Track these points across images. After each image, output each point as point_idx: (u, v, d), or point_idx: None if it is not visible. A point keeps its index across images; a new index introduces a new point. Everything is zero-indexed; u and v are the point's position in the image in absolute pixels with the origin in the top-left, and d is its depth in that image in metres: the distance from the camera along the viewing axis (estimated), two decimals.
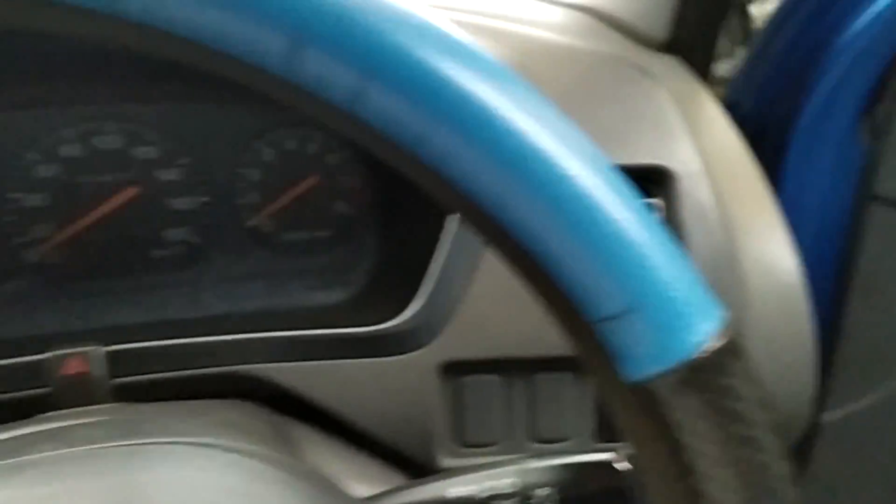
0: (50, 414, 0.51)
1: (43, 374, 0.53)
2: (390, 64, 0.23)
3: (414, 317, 0.63)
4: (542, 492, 0.49)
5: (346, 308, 0.71)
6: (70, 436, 0.39)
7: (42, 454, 0.37)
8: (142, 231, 0.76)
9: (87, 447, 0.38)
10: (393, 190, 0.76)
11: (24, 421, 0.51)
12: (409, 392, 0.65)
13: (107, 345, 0.56)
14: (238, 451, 0.40)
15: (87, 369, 0.54)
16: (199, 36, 0.23)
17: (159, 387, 0.60)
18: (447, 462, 0.67)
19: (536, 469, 0.50)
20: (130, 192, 0.75)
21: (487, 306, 0.64)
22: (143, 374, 0.58)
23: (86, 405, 0.53)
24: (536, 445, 0.68)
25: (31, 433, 0.44)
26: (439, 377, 0.65)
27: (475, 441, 0.68)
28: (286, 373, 0.63)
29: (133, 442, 0.39)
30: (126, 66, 0.72)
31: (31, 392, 0.56)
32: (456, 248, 0.64)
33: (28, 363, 0.56)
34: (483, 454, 0.68)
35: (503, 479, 0.50)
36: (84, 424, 0.43)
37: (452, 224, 0.64)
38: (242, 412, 0.57)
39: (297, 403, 0.64)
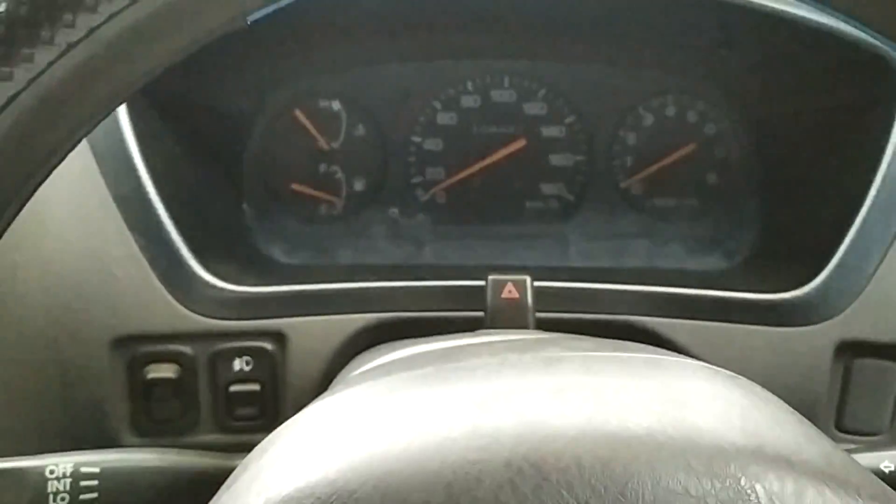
0: (492, 330, 0.56)
1: (482, 298, 0.58)
2: None
3: (818, 290, 0.62)
4: None
5: (735, 274, 0.71)
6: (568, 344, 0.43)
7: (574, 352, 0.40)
8: (521, 183, 0.80)
9: (583, 353, 0.40)
10: (776, 163, 0.74)
11: (468, 334, 0.56)
12: (798, 366, 0.63)
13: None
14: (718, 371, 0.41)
15: (519, 296, 0.58)
16: None
17: (559, 325, 0.63)
18: None
19: None
20: (518, 144, 0.79)
21: None
22: (553, 310, 0.62)
23: (513, 328, 0.57)
24: None
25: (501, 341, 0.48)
26: (833, 355, 0.63)
27: (855, 428, 0.65)
28: (678, 329, 0.64)
29: (622, 353, 0.41)
30: (525, 23, 0.76)
31: (465, 313, 0.61)
32: (870, 224, 0.62)
33: (470, 287, 0.62)
34: (861, 443, 0.65)
35: None
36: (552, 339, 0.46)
37: (868, 199, 0.62)
38: None
39: None
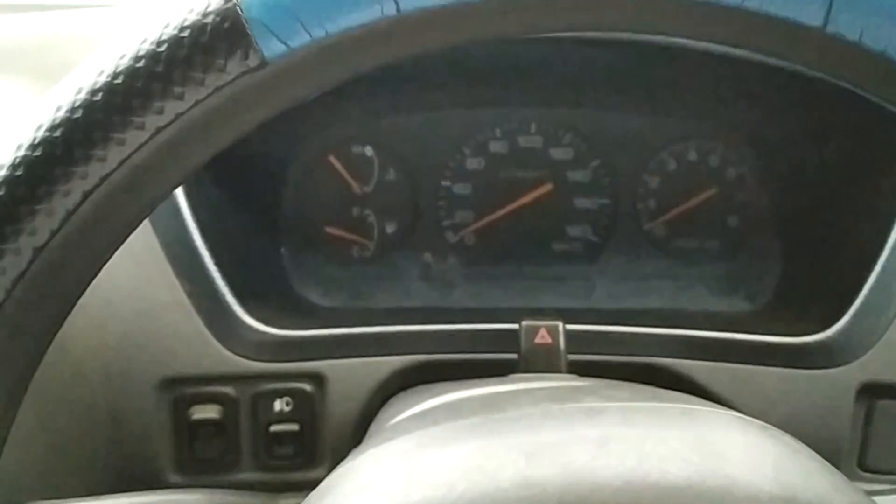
0: (526, 375, 0.58)
1: (514, 341, 0.60)
2: None
3: (840, 333, 0.64)
4: None
5: (758, 317, 0.73)
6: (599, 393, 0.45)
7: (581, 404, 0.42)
8: (548, 225, 0.83)
9: (621, 404, 0.42)
10: (797, 207, 0.77)
11: (504, 378, 0.58)
12: (821, 407, 0.65)
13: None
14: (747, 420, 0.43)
15: (552, 341, 0.60)
16: None
17: (589, 367, 0.65)
18: None
19: None
20: (544, 188, 0.82)
21: None
22: (583, 352, 0.64)
23: (545, 372, 0.60)
24: None
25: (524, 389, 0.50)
26: (855, 397, 0.65)
27: (878, 467, 0.67)
28: (703, 371, 0.65)
29: (658, 403, 0.43)
30: (552, 72, 0.79)
31: (498, 355, 0.64)
32: (890, 267, 0.64)
33: (502, 330, 0.64)
34: (884, 481, 0.67)
35: None
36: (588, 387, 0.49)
37: (889, 244, 0.64)
38: None
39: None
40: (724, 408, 0.43)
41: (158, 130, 0.29)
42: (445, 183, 0.82)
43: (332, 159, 0.82)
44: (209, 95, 0.29)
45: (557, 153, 0.82)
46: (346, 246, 0.82)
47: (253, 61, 0.28)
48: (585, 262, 0.82)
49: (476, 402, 0.47)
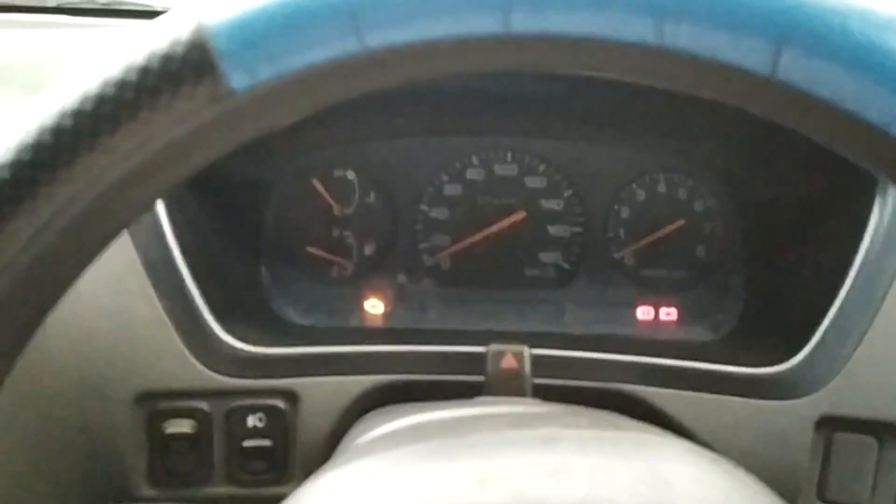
0: (491, 398, 0.60)
1: (483, 365, 0.62)
2: None
3: (799, 366, 0.66)
4: None
5: (721, 346, 0.75)
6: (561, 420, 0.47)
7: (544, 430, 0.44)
8: (521, 251, 0.85)
9: (578, 431, 0.44)
10: (760, 241, 0.79)
11: (469, 401, 0.60)
12: (780, 439, 0.67)
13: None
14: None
15: (518, 366, 0.62)
16: None
17: (555, 392, 0.67)
18: None
19: None
20: (518, 215, 0.84)
21: (878, 365, 0.65)
22: (550, 377, 0.66)
23: (510, 396, 0.61)
24: None
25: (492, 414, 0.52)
26: (814, 429, 0.66)
27: (836, 499, 0.69)
28: (666, 399, 0.67)
29: (614, 432, 0.45)
30: (527, 104, 0.81)
31: (466, 378, 0.66)
32: (850, 304, 0.66)
33: (471, 353, 0.66)
34: None
35: None
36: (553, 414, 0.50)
37: (847, 281, 0.66)
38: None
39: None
40: (681, 438, 0.45)
41: (126, 155, 0.30)
42: (423, 207, 0.84)
43: (315, 182, 0.84)
44: (177, 122, 0.30)
45: (532, 182, 0.84)
46: (326, 266, 0.84)
47: (220, 91, 0.30)
48: (556, 288, 0.84)
49: (438, 425, 0.49)
